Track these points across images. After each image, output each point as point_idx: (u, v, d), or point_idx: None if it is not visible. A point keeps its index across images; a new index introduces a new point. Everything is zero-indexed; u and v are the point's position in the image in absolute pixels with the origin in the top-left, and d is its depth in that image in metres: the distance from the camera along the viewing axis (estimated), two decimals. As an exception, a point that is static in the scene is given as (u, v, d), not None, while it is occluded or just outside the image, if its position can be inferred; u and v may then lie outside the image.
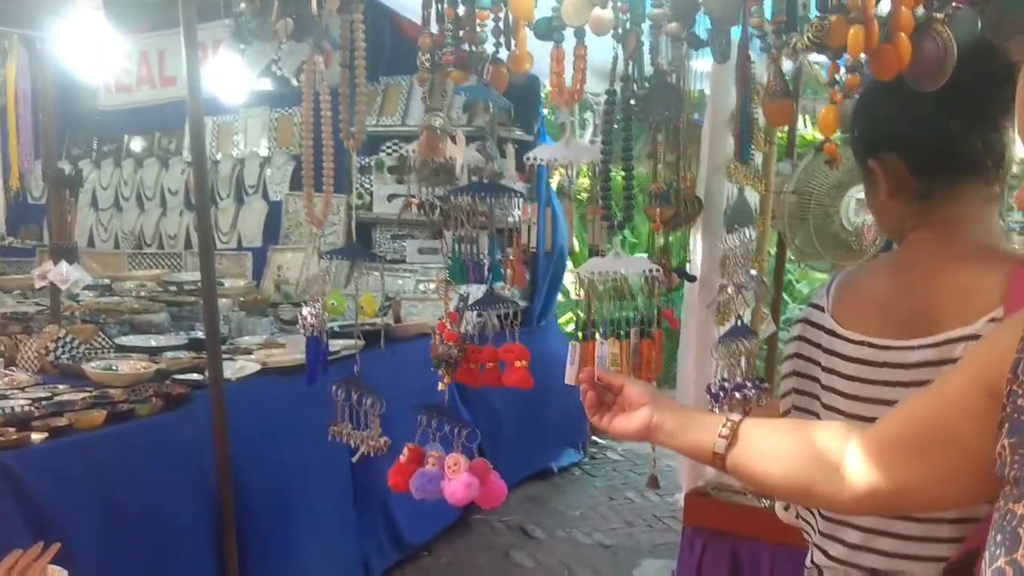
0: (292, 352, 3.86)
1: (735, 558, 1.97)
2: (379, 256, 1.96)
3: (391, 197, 5.42)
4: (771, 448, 1.24)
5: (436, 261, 5.59)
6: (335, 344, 4.03)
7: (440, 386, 1.80)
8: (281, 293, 5.35)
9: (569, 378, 1.55)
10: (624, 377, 1.44)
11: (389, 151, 5.49)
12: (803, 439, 1.22)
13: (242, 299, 4.91)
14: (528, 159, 1.68)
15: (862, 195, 2.83)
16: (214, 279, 3.05)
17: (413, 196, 1.82)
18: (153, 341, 3.99)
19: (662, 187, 1.76)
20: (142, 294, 4.87)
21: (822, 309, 1.44)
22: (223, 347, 3.95)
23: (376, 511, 3.95)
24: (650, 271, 1.56)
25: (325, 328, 1.97)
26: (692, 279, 1.94)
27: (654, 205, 1.73)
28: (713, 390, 1.41)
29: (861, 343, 1.36)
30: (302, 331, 1.98)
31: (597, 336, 1.57)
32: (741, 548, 1.97)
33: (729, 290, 1.46)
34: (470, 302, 1.92)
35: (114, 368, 3.38)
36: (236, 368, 3.53)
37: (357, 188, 5.56)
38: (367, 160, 5.52)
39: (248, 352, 3.87)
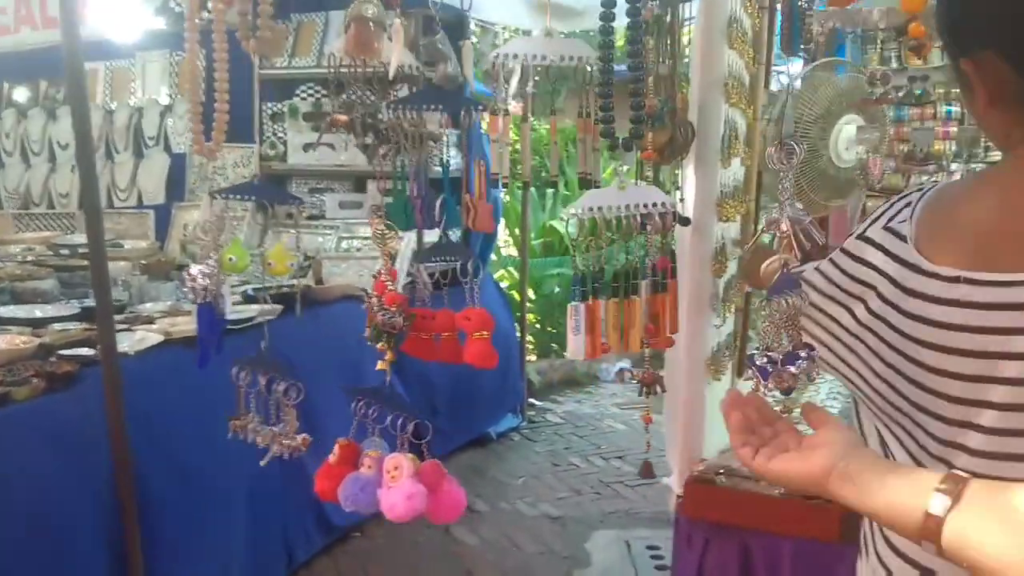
0: (200, 320, 3.41)
1: (746, 555, 1.66)
2: (295, 198, 1.54)
3: (307, 147, 4.96)
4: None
5: (359, 216, 5.17)
6: (247, 310, 3.61)
7: (380, 364, 1.42)
8: (188, 254, 4.85)
9: (574, 351, 1.18)
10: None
11: (304, 96, 5.00)
12: None
13: (144, 262, 4.41)
14: (496, 58, 1.28)
15: (854, 126, 2.52)
16: (102, 239, 2.58)
17: (339, 111, 1.41)
18: (38, 312, 3.49)
19: (655, 105, 1.38)
20: (28, 259, 4.32)
21: (903, 238, 1.10)
22: (121, 316, 3.49)
23: (301, 493, 3.55)
24: (664, 204, 1.19)
25: (222, 292, 1.56)
26: (686, 222, 1.58)
27: (646, 128, 1.36)
28: (758, 362, 1.06)
29: (955, 280, 1.03)
30: (190, 296, 1.56)
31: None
32: (753, 543, 1.65)
33: (784, 226, 1.10)
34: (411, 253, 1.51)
35: (-13, 344, 2.89)
36: (135, 340, 3.08)
37: (268, 137, 5.07)
38: (279, 106, 5.02)
39: (150, 321, 3.40)
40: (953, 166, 2.61)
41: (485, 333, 1.32)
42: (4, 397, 2.50)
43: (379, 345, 1.40)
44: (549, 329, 6.91)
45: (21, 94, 5.80)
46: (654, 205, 1.19)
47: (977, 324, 1.00)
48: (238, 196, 1.58)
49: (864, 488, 0.92)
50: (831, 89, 2.46)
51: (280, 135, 5.06)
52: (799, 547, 1.62)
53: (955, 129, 3.89)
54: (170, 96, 5.42)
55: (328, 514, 3.73)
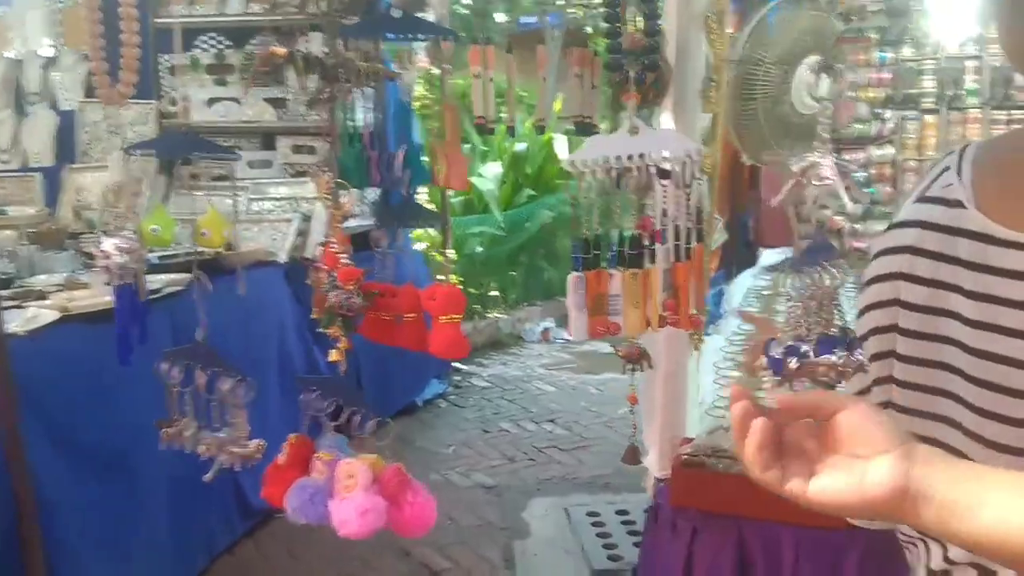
0: (100, 292, 3.10)
1: (741, 546, 1.50)
2: (228, 150, 1.28)
3: (212, 102, 4.59)
4: None
5: (270, 176, 4.84)
6: (153, 281, 3.30)
7: (334, 355, 1.19)
8: (83, 220, 4.45)
9: (577, 331, 0.98)
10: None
11: (207, 47, 4.63)
12: None
13: (32, 230, 4.01)
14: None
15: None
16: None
17: (275, 45, 1.17)
18: (-88, 288, 3.11)
19: (641, 40, 1.18)
20: (-103, 229, 3.88)
21: (959, 204, 0.93)
22: (8, 291, 3.14)
23: (222, 476, 3.28)
24: (694, 153, 1.00)
25: (143, 270, 1.30)
26: (665, 175, 1.39)
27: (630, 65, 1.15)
28: (775, 352, 0.88)
29: None
30: (104, 278, 1.30)
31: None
32: (749, 533, 1.49)
33: (826, 171, 0.91)
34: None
35: None
36: (26, 318, 2.75)
37: (168, 92, 4.67)
38: (179, 58, 4.63)
39: (42, 297, 3.06)
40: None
41: (455, 316, 1.11)
42: None
43: (331, 331, 1.17)
44: (471, 290, 6.70)
45: None
46: (681, 155, 0.99)
47: None
48: (158, 153, 1.31)
49: (952, 514, 0.68)
50: (794, 27, 2.29)
51: (180, 89, 4.67)
52: (801, 536, 1.48)
53: (890, 76, 3.82)
54: (54, 47, 4.95)
55: (248, 495, 3.48)
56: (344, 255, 1.15)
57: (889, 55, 4.64)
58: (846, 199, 0.93)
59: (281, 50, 1.18)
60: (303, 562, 3.38)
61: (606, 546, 3.51)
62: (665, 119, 1.58)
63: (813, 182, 0.95)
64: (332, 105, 1.19)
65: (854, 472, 0.72)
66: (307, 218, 4.24)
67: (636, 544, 3.49)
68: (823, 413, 0.76)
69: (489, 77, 1.08)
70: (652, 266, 0.98)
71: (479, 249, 6.64)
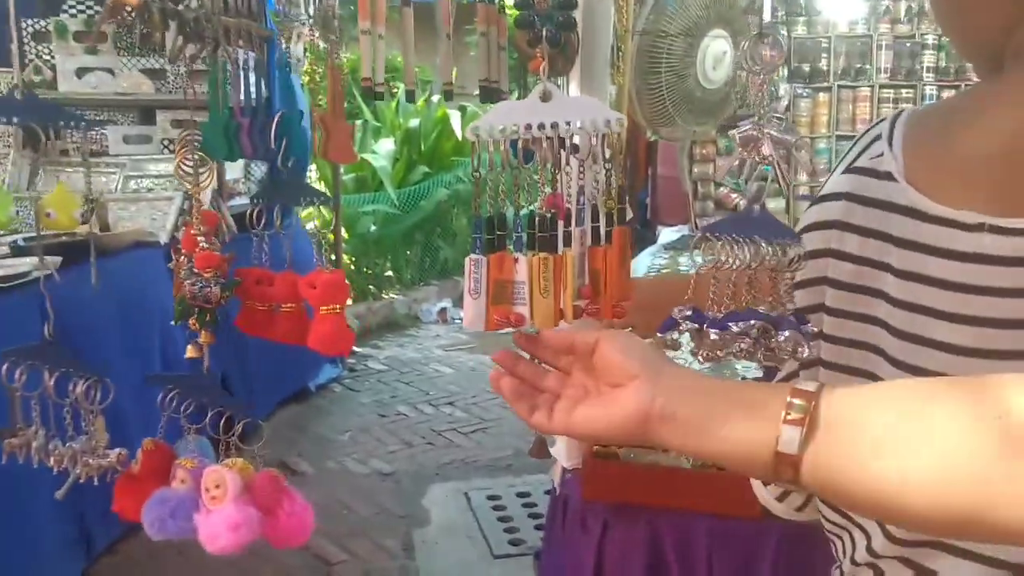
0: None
1: (654, 538, 1.43)
2: (78, 117, 1.11)
3: (82, 72, 4.29)
4: (897, 434, 0.65)
5: (148, 152, 4.56)
6: (18, 264, 3.04)
7: (191, 350, 1.06)
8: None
9: (472, 319, 0.88)
10: (585, 329, 0.83)
11: (73, 11, 4.31)
12: (961, 409, 0.65)
13: None
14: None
15: (724, 43, 2.32)
16: None
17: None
18: None
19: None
20: None
21: (888, 176, 0.87)
22: None
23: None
24: (613, 122, 0.90)
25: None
26: (576, 149, 1.30)
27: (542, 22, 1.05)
28: (679, 314, 0.80)
29: (979, 227, 0.81)
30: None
31: (509, 248, 0.90)
32: (662, 524, 1.43)
33: (766, 149, 0.83)
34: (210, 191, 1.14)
35: None
36: None
37: (31, 61, 4.34)
38: (43, 24, 4.30)
39: None
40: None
41: (338, 307, 0.99)
42: None
43: (191, 323, 1.04)
44: (365, 270, 6.53)
45: None
46: (601, 125, 0.89)
47: (1010, 285, 0.79)
48: (4, 114, 1.13)
49: (693, 429, 0.71)
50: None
51: (46, 58, 4.35)
52: (715, 526, 1.42)
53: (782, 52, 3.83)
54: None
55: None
56: (204, 238, 1.02)
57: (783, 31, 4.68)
58: (781, 179, 0.85)
59: None
60: (191, 558, 3.20)
61: (507, 530, 3.45)
62: (572, 90, 1.50)
63: (755, 157, 0.86)
64: (191, 66, 1.04)
65: (605, 400, 0.75)
66: (189, 197, 4.01)
67: (538, 527, 3.44)
68: (580, 348, 0.79)
69: (379, 33, 0.96)
70: (567, 250, 0.88)
71: (372, 228, 6.47)
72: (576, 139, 1.20)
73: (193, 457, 1.02)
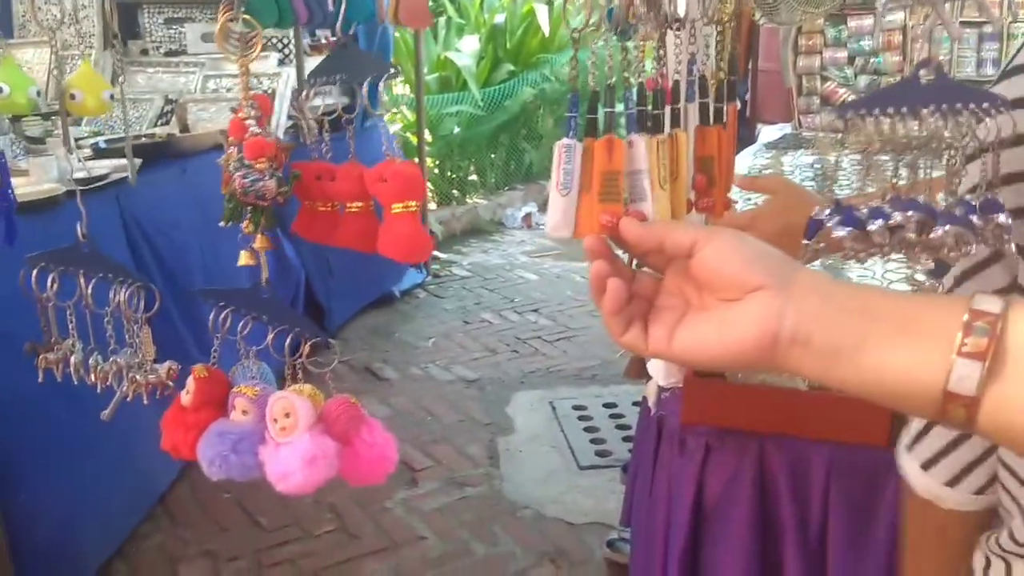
0: (38, 180, 2.83)
1: (763, 465, 1.29)
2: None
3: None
4: None
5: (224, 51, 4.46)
6: (98, 166, 3.00)
7: (244, 257, 0.93)
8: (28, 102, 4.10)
9: (557, 224, 0.73)
10: (684, 225, 0.63)
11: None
12: None
13: (-32, 112, 3.68)
14: None
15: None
16: None
17: None
18: None
19: None
20: None
21: None
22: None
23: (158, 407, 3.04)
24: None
25: None
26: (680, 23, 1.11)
27: None
28: (823, 215, 0.64)
29: None
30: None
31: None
32: (772, 451, 1.28)
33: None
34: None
35: None
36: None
37: (111, -43, 4.24)
38: (120, -81, 4.19)
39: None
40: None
41: (412, 204, 0.85)
42: None
43: (243, 226, 0.91)
44: (449, 174, 6.40)
45: None
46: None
47: None
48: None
49: (834, 356, 0.56)
50: None
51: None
52: (834, 453, 1.27)
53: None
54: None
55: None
56: (254, 122, 0.88)
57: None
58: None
59: None
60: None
61: (593, 441, 3.36)
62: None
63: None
64: None
65: (718, 318, 0.59)
66: (270, 96, 3.91)
67: (625, 439, 3.35)
68: (676, 249, 0.62)
69: None
70: (678, 130, 0.72)
71: (456, 130, 6.30)
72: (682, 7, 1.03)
73: (254, 384, 0.91)
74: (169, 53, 4.19)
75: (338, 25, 0.88)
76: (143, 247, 2.95)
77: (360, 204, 0.90)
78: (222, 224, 0.91)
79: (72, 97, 1.03)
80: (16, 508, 2.24)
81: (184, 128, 3.66)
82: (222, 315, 0.93)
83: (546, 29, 6.60)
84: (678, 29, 0.96)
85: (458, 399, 3.75)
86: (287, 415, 0.86)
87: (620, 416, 3.55)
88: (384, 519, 2.89)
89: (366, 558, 2.71)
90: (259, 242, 0.91)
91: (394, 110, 5.80)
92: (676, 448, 1.36)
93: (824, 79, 3.88)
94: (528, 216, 6.47)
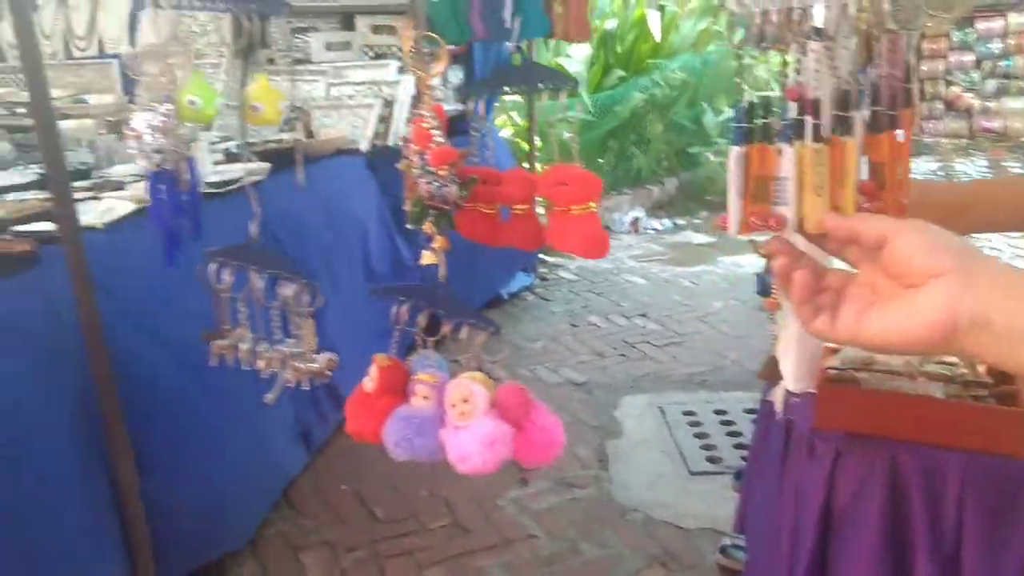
0: (178, 183, 2.96)
1: (895, 472, 1.29)
2: (283, 3, 1.07)
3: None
4: None
5: (349, 58, 4.62)
6: (229, 171, 3.16)
7: (427, 257, 1.00)
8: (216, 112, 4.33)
9: (731, 226, 0.77)
10: (880, 218, 0.69)
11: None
12: None
13: (111, 119, 3.92)
14: None
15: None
16: (45, 87, 2.10)
17: None
18: (-10, 179, 3.03)
19: None
20: (-23, 119, 3.82)
21: None
22: (87, 182, 3.05)
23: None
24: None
25: (186, 152, 1.11)
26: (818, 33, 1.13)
27: None
28: None
29: None
30: (139, 159, 1.12)
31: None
32: (906, 458, 1.28)
33: None
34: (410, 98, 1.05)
35: (-70, 221, 2.45)
36: (102, 210, 2.64)
37: (242, -29, 4.45)
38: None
39: (120, 187, 2.96)
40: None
41: (592, 205, 0.91)
42: (-51, 284, 2.09)
43: (425, 227, 0.97)
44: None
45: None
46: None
47: None
48: (197, 4, 1.10)
49: (1012, 339, 0.58)
50: None
51: (253, -32, 4.44)
52: (971, 463, 1.26)
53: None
54: (124, -73, 4.75)
55: (339, 385, 3.39)
56: (438, 131, 0.94)
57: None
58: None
59: None
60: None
61: (704, 447, 3.35)
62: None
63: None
64: None
65: (904, 303, 0.64)
66: (389, 103, 4.03)
67: (737, 446, 3.33)
68: (869, 240, 0.66)
69: None
70: (847, 138, 0.75)
71: (567, 135, 6.34)
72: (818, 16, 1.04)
73: (432, 371, 0.97)
74: (295, 62, 4.37)
75: (513, 42, 0.94)
76: (272, 246, 3.09)
77: (524, 207, 0.96)
78: (409, 226, 0.98)
79: (253, 108, 1.11)
80: (155, 498, 2.38)
81: (309, 134, 3.81)
82: (399, 309, 0.99)
83: (657, 35, 6.59)
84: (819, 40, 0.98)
85: (566, 402, 3.79)
86: (465, 401, 0.92)
87: (731, 423, 3.53)
88: (496, 516, 2.95)
89: (478, 553, 2.77)
90: (439, 243, 0.97)
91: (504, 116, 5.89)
92: (805, 453, 1.37)
93: (949, 84, 3.78)
94: (636, 221, 6.47)
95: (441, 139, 0.94)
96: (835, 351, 1.42)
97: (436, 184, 0.93)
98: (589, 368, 4.13)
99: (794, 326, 1.37)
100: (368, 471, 3.20)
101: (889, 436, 1.30)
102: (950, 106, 3.71)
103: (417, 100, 0.96)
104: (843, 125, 0.76)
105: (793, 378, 1.36)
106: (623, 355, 4.27)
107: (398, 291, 1.02)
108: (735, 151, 0.77)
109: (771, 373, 1.34)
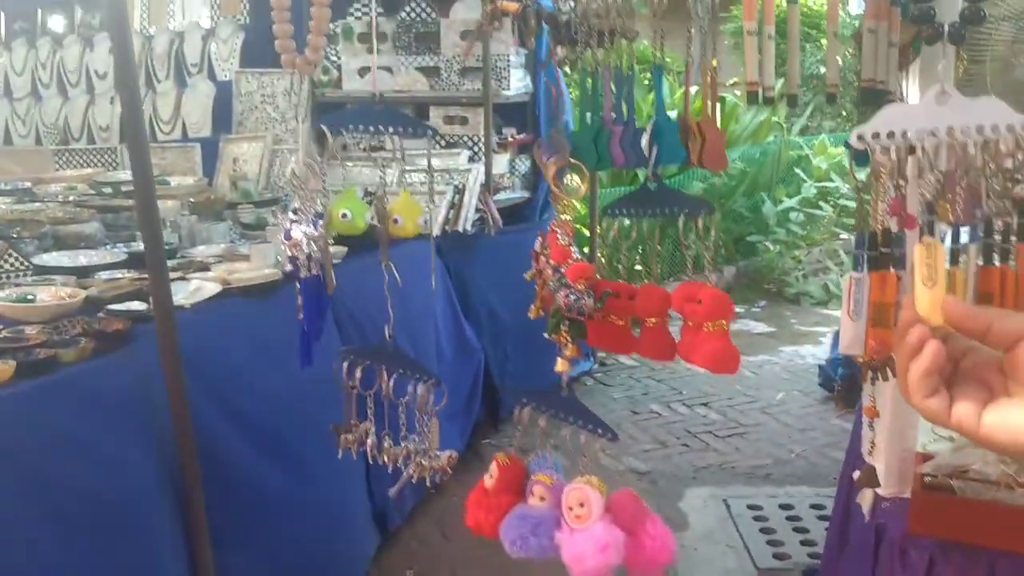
0: (259, 265, 3.09)
1: (993, 581, 1.29)
2: (426, 126, 1.17)
3: (363, 71, 4.55)
4: None
5: (420, 147, 4.76)
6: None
7: (561, 364, 1.05)
8: (239, 191, 4.50)
9: (849, 344, 0.80)
10: (1017, 316, 0.67)
11: (358, 14, 4.58)
12: None
13: (192, 200, 4.07)
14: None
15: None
16: (150, 172, 2.23)
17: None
18: (83, 258, 3.16)
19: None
20: (69, 198, 3.99)
21: None
22: (172, 262, 3.16)
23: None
24: (1014, 127, 0.80)
25: (330, 261, 1.19)
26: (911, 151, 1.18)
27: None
28: None
29: None
30: (288, 267, 1.20)
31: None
32: (1001, 566, 1.28)
33: None
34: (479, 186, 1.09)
35: (30, 298, 2.57)
36: (190, 291, 2.74)
37: (321, 62, 4.66)
38: (332, 27, 4.60)
39: (204, 268, 3.07)
40: None
41: (724, 323, 0.95)
42: (50, 360, 2.18)
43: (558, 336, 1.03)
44: (616, 265, 6.51)
45: (57, 22, 5.45)
46: (1005, 128, 0.79)
47: None
48: (351, 124, 1.19)
49: None
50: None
51: (333, 59, 4.65)
52: (1073, 576, 1.25)
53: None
54: (212, 19, 5.02)
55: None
56: (573, 248, 1.00)
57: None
58: None
59: (512, 5, 1.03)
60: (455, 543, 3.31)
61: (770, 543, 3.30)
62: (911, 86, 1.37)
63: None
64: (568, 67, 1.03)
65: None
66: (459, 191, 4.14)
67: (803, 543, 3.27)
68: (1001, 337, 0.65)
69: (768, 34, 0.90)
70: (956, 267, 0.79)
71: (626, 222, 6.42)
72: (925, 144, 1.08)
73: (549, 473, 1.01)
74: (370, 148, 4.52)
75: (649, 170, 1.00)
76: (351, 330, 3.17)
77: (656, 320, 1.00)
78: (547, 336, 1.03)
79: (395, 221, 1.18)
80: (226, 570, 2.42)
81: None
82: (524, 410, 1.04)
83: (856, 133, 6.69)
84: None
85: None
86: (582, 505, 0.95)
87: (797, 519, 3.48)
88: (560, 607, 2.93)
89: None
90: (571, 351, 1.02)
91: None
92: (898, 559, 1.37)
93: (1017, 181, 3.78)
94: (694, 308, 6.47)
95: (578, 256, 1.00)
96: (928, 457, 1.43)
97: (574, 296, 0.98)
98: (652, 457, 4.11)
99: (885, 431, 1.39)
100: (432, 556, 3.21)
101: (986, 546, 1.30)
102: (1016, 203, 3.70)
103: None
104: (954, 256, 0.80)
105: (886, 482, 1.36)
106: (686, 445, 4.25)
107: (528, 395, 1.06)
108: (855, 276, 0.80)
109: (869, 481, 1.35)
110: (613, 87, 1.03)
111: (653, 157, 0.99)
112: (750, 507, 3.58)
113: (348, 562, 3.01)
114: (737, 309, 6.62)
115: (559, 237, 1.01)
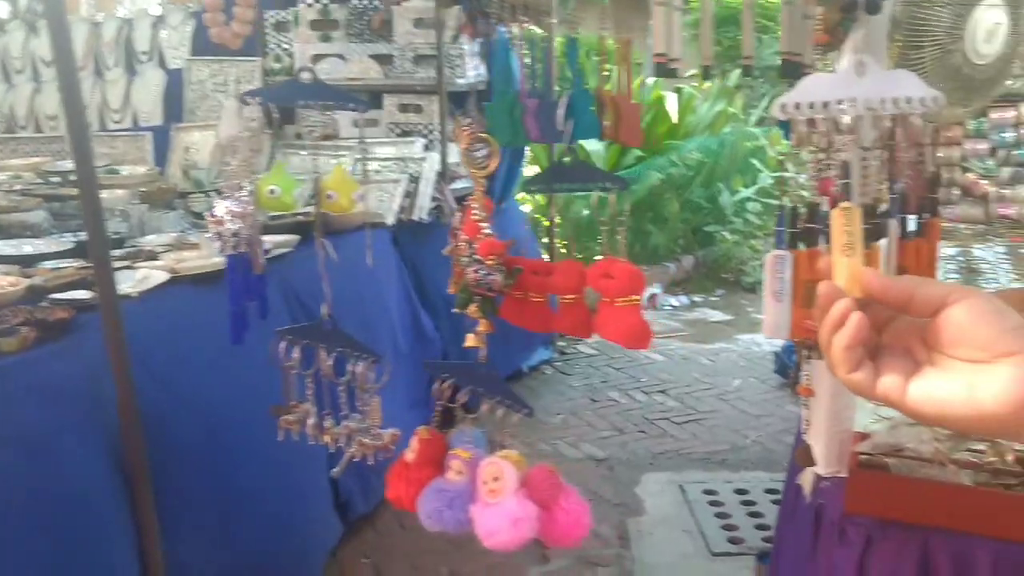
0: (208, 253, 3.04)
1: (926, 560, 1.30)
2: (359, 100, 1.14)
3: (317, 58, 4.50)
4: None
5: (376, 135, 4.73)
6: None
7: (471, 339, 1.04)
8: (191, 180, 4.43)
9: (773, 326, 0.80)
10: (936, 283, 0.66)
11: (311, 1, 4.53)
12: None
13: (143, 189, 4.00)
14: None
15: (999, 13, 2.10)
16: (91, 160, 2.18)
17: None
18: (28, 247, 3.10)
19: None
20: (15, 187, 3.91)
21: None
22: (121, 251, 3.11)
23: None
24: (931, 100, 0.80)
25: (258, 239, 1.17)
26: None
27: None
28: None
29: None
30: (217, 245, 1.17)
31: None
32: (936, 545, 1.29)
33: None
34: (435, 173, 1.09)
35: (-30, 287, 2.50)
36: (137, 279, 2.70)
37: (273, 50, 4.61)
38: (283, 14, 4.55)
39: (153, 257, 3.02)
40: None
41: (635, 298, 0.95)
42: (-11, 351, 2.14)
43: (470, 311, 1.02)
44: (577, 255, 6.52)
45: (0, 8, 5.32)
46: (921, 102, 0.79)
47: None
48: (278, 99, 1.16)
49: None
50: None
51: (285, 47, 4.60)
52: (1002, 551, 1.26)
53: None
54: (161, 6, 4.94)
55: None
56: (486, 224, 0.99)
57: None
58: None
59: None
60: (413, 533, 3.30)
61: (725, 527, 3.33)
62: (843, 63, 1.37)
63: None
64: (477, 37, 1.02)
65: (963, 378, 0.61)
66: (415, 179, 4.12)
67: (758, 527, 3.30)
68: (923, 305, 0.64)
69: (675, 4, 0.89)
70: (875, 244, 0.79)
71: (585, 212, 6.44)
72: (847, 119, 1.09)
73: (468, 447, 1.01)
74: (323, 137, 4.47)
75: (565, 143, 0.99)
76: (300, 316, 3.14)
77: (573, 296, 1.00)
78: (456, 311, 1.02)
79: (328, 197, 1.16)
80: (178, 560, 2.38)
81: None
82: (441, 385, 1.03)
83: (674, 116, 6.72)
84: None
85: (587, 478, 3.78)
86: (496, 479, 0.95)
87: (752, 503, 3.51)
88: (516, 593, 2.93)
89: (499, 631, 2.75)
90: (484, 326, 1.01)
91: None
92: (836, 537, 1.38)
93: (965, 170, 3.84)
94: (653, 297, 6.50)
95: (489, 231, 0.99)
96: (864, 437, 1.44)
97: (483, 272, 0.98)
98: (609, 444, 4.13)
99: (822, 412, 1.40)
100: (390, 546, 3.19)
101: (921, 523, 1.31)
102: (967, 192, 3.75)
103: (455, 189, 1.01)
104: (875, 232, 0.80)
105: (824, 462, 1.37)
106: (643, 431, 4.27)
107: (444, 368, 1.05)
108: (776, 255, 0.80)
109: (806, 459, 1.36)
110: (528, 60, 1.03)
111: (568, 132, 0.99)
112: (706, 492, 3.61)
113: (307, 552, 2.98)
114: (695, 298, 6.67)
115: (472, 210, 1.00)
